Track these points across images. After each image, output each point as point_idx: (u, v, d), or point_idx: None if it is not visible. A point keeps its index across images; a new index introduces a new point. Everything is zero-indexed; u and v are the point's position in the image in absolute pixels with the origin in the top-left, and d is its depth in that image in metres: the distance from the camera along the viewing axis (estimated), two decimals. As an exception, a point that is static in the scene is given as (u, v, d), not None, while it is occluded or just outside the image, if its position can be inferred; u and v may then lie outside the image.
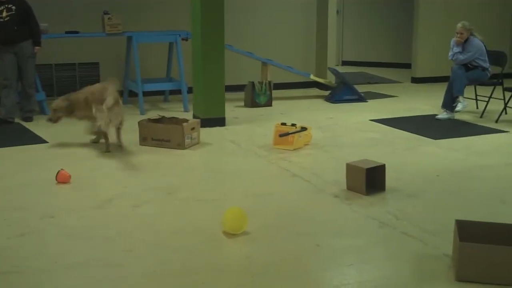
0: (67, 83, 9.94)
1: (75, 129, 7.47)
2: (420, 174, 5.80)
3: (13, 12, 8.04)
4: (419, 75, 11.98)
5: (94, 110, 6.45)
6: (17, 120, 8.18)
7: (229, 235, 4.28)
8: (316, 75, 10.79)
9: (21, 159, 6.37)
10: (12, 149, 6.71)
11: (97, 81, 10.00)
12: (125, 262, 3.90)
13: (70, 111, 6.94)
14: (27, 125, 8.01)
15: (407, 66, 12.49)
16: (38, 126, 7.88)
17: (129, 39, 9.21)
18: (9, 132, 7.64)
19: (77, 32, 9.16)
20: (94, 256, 3.98)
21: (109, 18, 8.94)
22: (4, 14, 8.03)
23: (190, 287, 3.58)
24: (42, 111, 8.64)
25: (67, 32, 9.13)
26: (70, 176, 5.51)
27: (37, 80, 8.58)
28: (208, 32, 7.65)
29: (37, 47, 8.31)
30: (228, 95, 8.09)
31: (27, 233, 4.36)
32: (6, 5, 8.02)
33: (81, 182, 5.54)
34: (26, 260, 3.93)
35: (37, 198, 5.14)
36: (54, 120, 7.02)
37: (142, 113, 8.59)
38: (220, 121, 7.81)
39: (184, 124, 6.74)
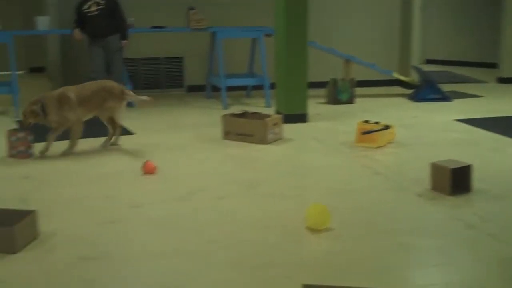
0: (152, 76, 10.17)
1: (161, 121, 7.67)
2: (507, 175, 5.66)
3: (102, 6, 8.29)
4: (506, 75, 11.65)
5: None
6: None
7: (312, 230, 4.29)
8: (399, 73, 10.66)
9: (109, 150, 6.56)
10: (100, 140, 6.92)
11: (181, 75, 10.23)
12: (209, 253, 3.96)
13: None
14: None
15: (492, 65, 12.17)
16: (124, 118, 8.06)
17: (213, 34, 9.34)
18: (96, 123, 7.84)
19: (162, 27, 9.36)
20: (180, 246, 4.07)
21: (194, 14, 9.08)
22: (93, 8, 8.29)
23: (273, 279, 3.61)
24: (129, 104, 8.86)
25: (152, 27, 9.34)
26: (156, 167, 5.65)
27: (124, 73, 8.81)
28: (292, 28, 7.68)
29: (124, 41, 8.55)
30: (310, 91, 8.09)
31: (116, 221, 4.50)
32: (95, 0, 8.28)
33: (166, 173, 5.67)
34: (115, 246, 4.06)
35: (125, 188, 5.29)
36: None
37: (224, 108, 8.71)
38: (302, 117, 7.83)
39: (267, 119, 6.79)
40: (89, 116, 6.57)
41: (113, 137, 6.74)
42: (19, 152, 6.17)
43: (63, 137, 6.46)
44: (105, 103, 6.48)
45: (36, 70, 13.10)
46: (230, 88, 9.19)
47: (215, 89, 9.45)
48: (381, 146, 6.59)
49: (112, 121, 6.66)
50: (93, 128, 7.50)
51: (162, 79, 10.34)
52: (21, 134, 6.18)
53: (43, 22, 8.90)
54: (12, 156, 6.20)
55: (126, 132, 7.35)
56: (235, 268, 3.75)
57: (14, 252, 3.86)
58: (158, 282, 3.57)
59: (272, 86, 8.58)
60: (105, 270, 3.72)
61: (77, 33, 8.46)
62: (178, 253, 3.96)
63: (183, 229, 4.36)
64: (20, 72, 9.66)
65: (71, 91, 6.36)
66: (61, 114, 6.24)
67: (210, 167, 5.94)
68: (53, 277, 3.63)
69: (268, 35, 9.19)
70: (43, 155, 6.28)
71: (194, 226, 4.42)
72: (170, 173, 5.70)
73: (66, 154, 6.35)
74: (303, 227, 4.35)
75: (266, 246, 4.07)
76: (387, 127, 6.68)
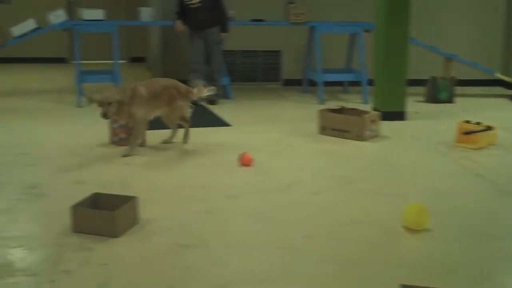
0: (249, 69, 10.24)
1: (257, 114, 7.71)
2: None
3: (204, -1, 8.41)
4: None
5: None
6: (201, 102, 8.55)
7: (409, 230, 4.21)
8: (502, 73, 10.30)
9: (206, 141, 6.66)
10: (197, 130, 7.02)
11: (278, 69, 10.24)
12: (305, 248, 3.96)
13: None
14: (211, 108, 8.36)
15: None
16: (222, 110, 8.20)
17: (312, 28, 9.31)
18: (194, 114, 7.97)
19: (261, 20, 9.39)
20: (275, 239, 4.08)
21: (293, 7, 9.08)
22: (196, 1, 8.42)
23: (369, 278, 3.56)
24: (226, 95, 8.99)
25: (252, 20, 9.39)
26: (252, 159, 5.68)
27: (223, 66, 8.92)
28: (392, 24, 7.55)
29: (224, 34, 8.64)
30: (409, 89, 7.94)
31: (212, 210, 4.57)
32: None
33: (262, 166, 5.70)
34: (211, 235, 4.11)
35: (221, 178, 5.36)
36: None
37: (321, 103, 8.67)
38: (400, 115, 7.69)
39: (365, 116, 6.71)
40: (156, 114, 6.28)
41: (172, 136, 6.56)
42: (121, 139, 6.35)
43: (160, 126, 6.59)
44: (173, 101, 6.26)
45: (137, 60, 13.44)
46: (327, 83, 9.13)
47: (312, 83, 9.42)
48: (482, 148, 6.38)
49: (178, 120, 6.48)
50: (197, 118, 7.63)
51: (259, 72, 10.40)
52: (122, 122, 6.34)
53: (146, 13, 9.11)
54: (113, 143, 6.38)
55: (223, 123, 7.44)
56: (331, 264, 3.73)
57: (115, 236, 3.98)
58: (252, 274, 3.59)
59: (370, 82, 8.46)
60: (201, 258, 3.78)
61: (179, 25, 8.62)
62: (273, 246, 3.97)
63: (278, 223, 4.37)
64: (122, 61, 9.91)
65: (143, 85, 6.13)
66: (130, 110, 5.96)
67: (306, 162, 5.93)
68: (152, 263, 3.71)
69: (367, 31, 9.08)
70: (127, 155, 6.00)
71: (290, 220, 4.42)
72: (266, 165, 5.73)
73: (127, 155, 5.98)
74: (400, 226, 4.27)
75: (363, 244, 4.03)
76: (489, 128, 6.47)
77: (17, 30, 8.50)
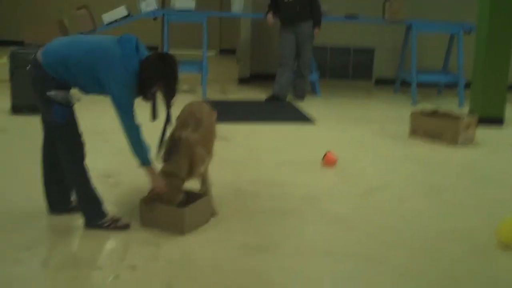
0: (340, 66, 9.94)
1: (344, 112, 7.42)
2: None
3: (298, -7, 8.15)
4: None
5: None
6: (289, 98, 8.32)
7: (504, 246, 3.83)
8: None
9: (290, 137, 6.43)
10: (282, 126, 6.81)
11: (370, 67, 9.90)
12: (386, 260, 3.65)
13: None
14: (298, 103, 8.11)
15: None
16: (308, 106, 7.93)
17: (408, 27, 8.90)
18: (280, 109, 7.79)
19: (356, 17, 9.06)
20: (354, 248, 3.79)
21: (390, 4, 8.70)
22: (290, -7, 8.18)
23: (455, 299, 3.24)
24: (314, 92, 8.72)
25: (346, 16, 9.06)
26: (336, 160, 5.40)
27: (312, 61, 8.65)
28: (495, 25, 7.09)
29: (316, 29, 8.35)
30: (510, 94, 7.43)
31: (289, 211, 4.32)
32: None
33: (346, 167, 5.40)
34: (285, 239, 3.87)
35: (301, 178, 5.10)
36: None
37: (413, 104, 8.27)
38: (498, 121, 7.21)
39: (460, 120, 6.29)
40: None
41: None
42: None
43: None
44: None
45: (226, 52, 13.35)
46: (421, 84, 8.72)
47: (404, 83, 9.03)
48: None
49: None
50: (282, 113, 7.43)
51: (350, 70, 10.07)
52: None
53: (238, 5, 8.96)
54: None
55: (308, 120, 7.17)
56: (414, 281, 3.42)
57: (183, 234, 3.79)
58: (325, 284, 3.33)
59: (467, 85, 7.99)
60: (272, 263, 3.55)
61: (270, 18, 8.40)
62: (351, 255, 3.69)
63: (359, 230, 4.08)
64: (211, 52, 9.81)
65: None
66: None
67: (393, 165, 5.59)
68: (220, 264, 3.52)
69: (468, 32, 8.59)
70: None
71: (371, 227, 4.12)
72: (350, 167, 5.43)
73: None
74: (494, 242, 3.89)
75: (452, 259, 3.69)
76: None
77: (108, 16, 8.50)
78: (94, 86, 3.75)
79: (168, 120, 3.98)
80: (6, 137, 6.04)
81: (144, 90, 3.77)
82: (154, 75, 3.74)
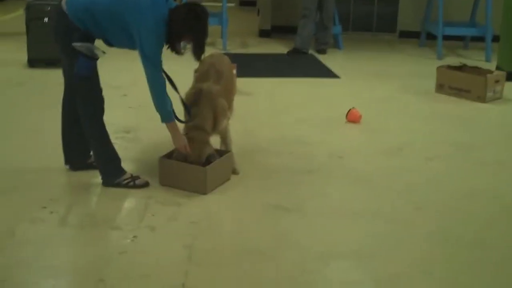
0: (364, 18, 9.65)
1: (368, 67, 7.22)
2: None
3: None
4: None
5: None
6: (310, 51, 8.11)
7: (536, 209, 3.70)
8: None
9: (311, 92, 6.25)
10: (303, 80, 6.63)
11: (394, 19, 9.62)
12: (413, 220, 3.54)
13: None
14: (320, 57, 7.89)
15: None
16: (331, 60, 7.72)
17: (435, -23, 8.59)
18: (302, 62, 7.59)
19: (381, -34, 8.75)
20: (379, 208, 3.67)
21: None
22: None
23: (483, 262, 3.11)
24: (337, 45, 8.49)
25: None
26: (360, 116, 5.24)
27: (335, 13, 8.40)
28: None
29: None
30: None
31: (314, 170, 4.19)
32: None
33: (371, 124, 5.24)
34: (310, 199, 3.76)
35: (326, 135, 4.95)
36: None
37: (439, 58, 8.02)
38: (528, 76, 6.97)
39: (488, 75, 6.08)
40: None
41: None
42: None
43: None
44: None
45: (246, 3, 13.06)
46: (447, 37, 8.44)
47: (430, 36, 8.75)
48: None
49: None
50: (304, 68, 7.25)
51: (374, 22, 9.79)
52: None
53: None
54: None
55: (331, 75, 6.98)
56: (441, 242, 3.31)
57: (205, 193, 3.68)
58: (350, 246, 3.23)
59: (495, 38, 7.72)
60: (297, 224, 3.44)
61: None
62: (377, 216, 3.58)
63: (384, 189, 3.95)
64: (230, 4, 9.56)
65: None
66: None
67: (419, 122, 5.41)
68: (242, 225, 3.42)
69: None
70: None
71: (399, 187, 3.98)
72: (375, 124, 5.27)
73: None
74: (525, 205, 3.76)
75: (480, 221, 3.57)
76: None
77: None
78: (120, 36, 3.59)
79: None
80: (23, 91, 5.93)
81: (172, 41, 3.61)
82: (183, 26, 3.56)
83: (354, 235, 3.35)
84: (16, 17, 7.11)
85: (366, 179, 4.08)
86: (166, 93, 3.64)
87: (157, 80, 3.59)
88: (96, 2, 3.53)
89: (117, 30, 3.57)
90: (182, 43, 3.70)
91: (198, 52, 3.66)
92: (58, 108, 3.94)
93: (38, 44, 6.48)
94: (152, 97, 3.62)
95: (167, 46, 3.62)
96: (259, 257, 3.07)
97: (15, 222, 3.36)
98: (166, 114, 3.66)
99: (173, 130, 3.72)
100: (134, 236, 3.22)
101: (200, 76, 4.04)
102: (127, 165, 3.98)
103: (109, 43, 3.71)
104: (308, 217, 3.53)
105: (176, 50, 3.66)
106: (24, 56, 6.73)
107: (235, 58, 6.64)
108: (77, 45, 3.53)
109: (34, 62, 6.63)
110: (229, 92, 4.12)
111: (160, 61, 3.59)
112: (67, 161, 4.01)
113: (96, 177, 3.86)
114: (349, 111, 5.26)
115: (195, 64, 4.05)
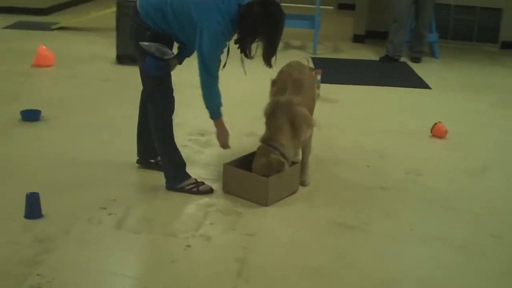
0: (464, 27, 9.22)
1: (463, 78, 6.85)
2: None
3: None
4: None
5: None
6: (403, 59, 7.78)
7: None
8: None
9: (398, 102, 5.95)
10: (392, 89, 6.34)
11: (496, 29, 9.14)
12: (490, 250, 3.25)
13: None
14: (413, 66, 7.56)
15: None
16: (424, 69, 7.37)
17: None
18: (393, 70, 7.29)
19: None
20: (454, 234, 3.40)
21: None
22: None
23: None
24: (433, 54, 8.11)
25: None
26: (446, 131, 4.93)
27: (432, 20, 8.04)
28: None
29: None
30: None
31: (388, 187, 3.94)
32: None
33: (457, 140, 4.92)
34: (379, 218, 3.53)
35: (406, 149, 4.68)
36: None
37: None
38: None
39: None
40: None
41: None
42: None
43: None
44: None
45: (345, 6, 12.79)
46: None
47: None
48: None
49: None
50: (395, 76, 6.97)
51: (474, 31, 9.33)
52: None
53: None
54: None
55: (422, 85, 6.65)
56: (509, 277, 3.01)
57: (266, 205, 3.53)
58: (417, 273, 2.99)
59: None
60: (361, 244, 3.24)
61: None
62: (450, 242, 3.31)
63: (463, 213, 3.66)
64: (329, 7, 9.32)
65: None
66: None
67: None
68: (302, 241, 3.25)
69: None
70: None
71: (479, 212, 3.68)
72: (462, 140, 4.94)
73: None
74: None
75: None
76: None
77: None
78: (192, 35, 3.45)
79: None
80: (109, 87, 5.97)
81: (242, 42, 3.43)
82: (254, 26, 3.36)
83: (420, 262, 3.10)
84: (111, 14, 7.19)
85: (443, 201, 3.80)
86: (218, 91, 3.56)
87: (210, 81, 3.51)
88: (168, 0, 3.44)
89: (189, 28, 3.46)
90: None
91: (269, 56, 3.48)
92: (137, 105, 3.92)
93: (125, 41, 6.51)
94: (202, 93, 3.56)
95: (237, 47, 3.47)
96: (313, 279, 2.89)
97: (72, 220, 3.32)
98: (215, 111, 3.62)
99: (219, 126, 3.72)
100: (188, 245, 3.11)
101: (278, 89, 3.91)
102: (195, 169, 3.89)
103: (182, 42, 3.63)
104: (373, 238, 3.30)
105: (246, 52, 3.49)
106: (113, 53, 6.79)
107: (323, 63, 6.45)
108: (145, 44, 3.46)
109: (122, 58, 6.67)
110: (310, 101, 3.96)
111: (218, 64, 3.46)
112: (139, 158, 3.99)
113: (161, 180, 3.78)
114: (434, 125, 4.96)
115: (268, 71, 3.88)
